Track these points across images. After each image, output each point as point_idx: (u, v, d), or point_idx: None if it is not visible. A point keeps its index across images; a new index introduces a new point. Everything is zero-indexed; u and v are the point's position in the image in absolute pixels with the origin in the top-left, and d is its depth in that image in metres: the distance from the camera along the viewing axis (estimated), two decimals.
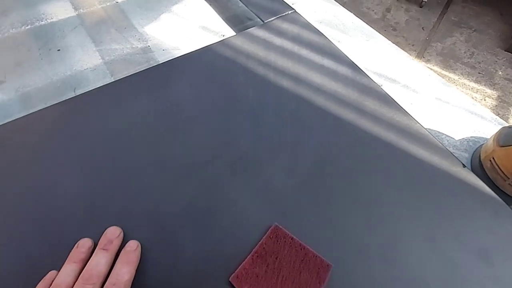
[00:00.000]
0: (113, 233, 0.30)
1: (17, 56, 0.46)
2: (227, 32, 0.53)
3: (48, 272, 0.28)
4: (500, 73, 1.76)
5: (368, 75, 0.47)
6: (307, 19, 0.54)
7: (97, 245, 0.30)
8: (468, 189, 0.37)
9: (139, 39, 0.51)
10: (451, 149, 0.41)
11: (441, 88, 0.48)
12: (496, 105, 1.62)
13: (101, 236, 0.30)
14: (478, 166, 0.40)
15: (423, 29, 1.97)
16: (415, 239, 0.33)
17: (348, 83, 0.45)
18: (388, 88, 0.46)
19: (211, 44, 0.49)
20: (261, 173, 0.36)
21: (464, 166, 0.38)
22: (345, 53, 0.49)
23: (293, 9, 0.56)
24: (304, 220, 0.33)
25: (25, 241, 0.31)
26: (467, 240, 0.33)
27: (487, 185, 0.37)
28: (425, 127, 0.42)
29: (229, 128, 0.40)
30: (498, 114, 1.53)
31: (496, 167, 0.37)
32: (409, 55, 0.52)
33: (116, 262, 0.28)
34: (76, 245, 0.29)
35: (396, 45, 0.54)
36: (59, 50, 0.48)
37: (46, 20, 0.51)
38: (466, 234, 0.34)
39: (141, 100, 0.42)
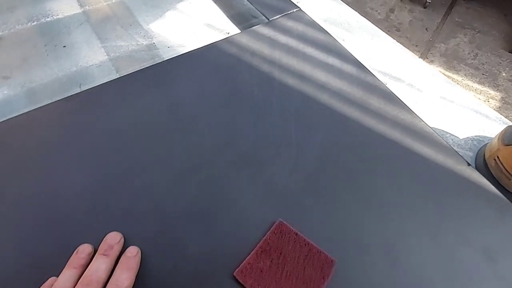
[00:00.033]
0: (113, 239, 0.30)
1: (23, 52, 0.47)
2: (232, 30, 0.53)
3: (49, 274, 0.28)
4: (504, 74, 1.75)
5: (373, 73, 0.47)
6: (312, 17, 0.54)
7: (97, 250, 0.29)
8: (472, 187, 0.37)
9: (144, 36, 0.51)
10: (455, 148, 0.41)
11: (445, 87, 0.48)
12: (499, 107, 1.61)
13: (104, 231, 0.31)
14: (483, 165, 0.40)
15: (426, 30, 1.96)
16: (419, 236, 0.33)
17: (353, 81, 0.46)
18: (393, 87, 0.46)
19: (216, 42, 0.49)
20: (265, 169, 0.37)
21: (468, 164, 0.38)
22: (349, 51, 0.50)
23: (298, 7, 0.56)
24: (308, 216, 0.33)
25: (28, 238, 0.31)
26: (471, 238, 0.33)
27: (491, 183, 0.37)
28: (430, 125, 0.42)
29: (233, 125, 0.40)
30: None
31: (501, 165, 0.37)
32: (413, 54, 0.52)
33: (116, 268, 0.28)
34: (76, 250, 0.29)
35: None
36: (64, 46, 0.48)
37: (52, 16, 0.52)
38: (470, 232, 0.33)
39: (146, 97, 0.42)
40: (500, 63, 1.81)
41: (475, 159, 0.41)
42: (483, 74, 1.75)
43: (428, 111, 0.45)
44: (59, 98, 0.41)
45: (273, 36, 0.50)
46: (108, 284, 0.27)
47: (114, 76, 0.45)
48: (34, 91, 0.43)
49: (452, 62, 1.80)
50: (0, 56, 0.46)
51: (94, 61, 0.47)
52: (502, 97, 1.66)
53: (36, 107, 0.40)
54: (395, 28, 1.97)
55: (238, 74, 0.45)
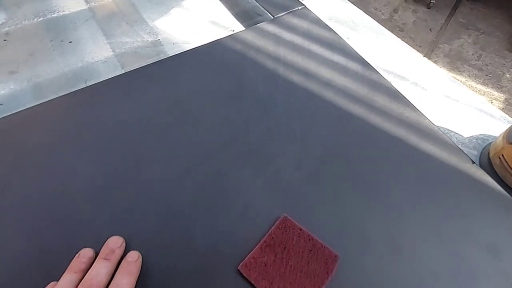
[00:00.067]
0: (115, 243, 0.30)
1: (29, 47, 0.47)
2: (237, 27, 0.53)
3: (49, 278, 0.28)
4: (507, 75, 1.74)
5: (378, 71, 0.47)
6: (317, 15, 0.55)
7: (98, 254, 0.29)
8: (477, 185, 0.37)
9: (150, 32, 0.51)
10: (459, 147, 0.41)
11: (450, 86, 0.48)
12: (503, 108, 1.61)
13: (110, 225, 0.31)
14: (487, 163, 0.40)
15: (430, 30, 1.96)
16: (424, 233, 0.33)
17: (357, 78, 0.46)
18: (397, 85, 0.46)
19: (220, 39, 0.49)
20: (270, 165, 0.37)
21: (473, 162, 0.38)
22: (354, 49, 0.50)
23: (303, 4, 0.56)
24: (313, 212, 0.34)
25: (35, 231, 0.31)
26: (475, 235, 0.33)
27: (495, 181, 0.37)
28: (434, 124, 0.42)
29: (238, 120, 0.40)
30: None
31: (505, 164, 0.37)
32: (418, 52, 0.52)
33: (117, 273, 0.28)
34: (77, 254, 0.29)
35: None
36: (70, 42, 0.48)
37: (58, 12, 0.52)
38: (474, 229, 0.33)
39: (151, 92, 0.42)
40: (504, 64, 1.80)
41: (480, 157, 0.41)
42: (486, 75, 1.74)
43: (432, 110, 0.45)
44: (65, 93, 0.41)
45: (278, 33, 0.50)
46: None
47: (120, 72, 0.45)
48: (40, 86, 0.43)
49: (455, 63, 1.79)
50: (7, 51, 0.46)
51: (100, 57, 0.47)
52: (505, 99, 1.65)
53: (42, 102, 0.40)
54: (398, 29, 1.96)
55: (243, 71, 0.45)
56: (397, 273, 0.30)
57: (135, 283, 0.28)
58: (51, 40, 0.48)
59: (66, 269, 0.28)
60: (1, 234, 0.31)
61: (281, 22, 0.52)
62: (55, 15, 0.52)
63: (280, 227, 0.31)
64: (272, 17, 0.53)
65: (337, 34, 0.52)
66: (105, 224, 0.31)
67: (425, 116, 0.42)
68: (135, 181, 0.35)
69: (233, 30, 0.52)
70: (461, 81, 1.68)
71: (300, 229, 0.31)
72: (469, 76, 1.73)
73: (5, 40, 0.47)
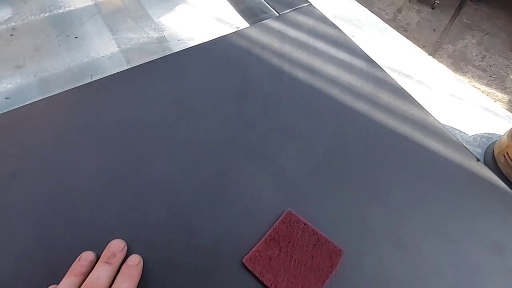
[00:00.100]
0: (116, 246, 0.29)
1: (36, 42, 0.47)
2: (242, 24, 0.53)
3: (50, 281, 0.27)
4: (511, 77, 1.74)
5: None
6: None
7: (99, 257, 0.29)
8: (481, 182, 0.37)
9: (155, 29, 0.51)
10: (464, 144, 0.41)
11: (454, 84, 0.48)
12: (506, 109, 1.60)
13: (115, 220, 0.31)
14: (492, 161, 0.40)
15: (434, 30, 1.96)
16: (428, 230, 0.33)
17: (362, 76, 0.46)
18: (402, 83, 0.46)
19: (225, 35, 0.49)
20: (275, 160, 0.37)
21: (478, 160, 0.38)
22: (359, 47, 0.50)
23: (308, 2, 0.56)
24: (317, 207, 0.34)
25: (38, 230, 0.31)
26: (480, 233, 0.33)
27: (500, 179, 0.37)
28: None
29: (243, 116, 0.40)
30: None
31: (510, 162, 0.37)
32: (423, 51, 0.52)
33: (117, 276, 0.27)
34: (78, 258, 0.28)
35: None
36: (76, 37, 0.49)
37: (64, 8, 0.52)
38: (479, 227, 0.33)
39: (156, 87, 0.42)
40: (508, 65, 1.79)
41: (484, 155, 0.41)
42: (490, 76, 1.74)
43: (437, 108, 0.45)
44: (71, 88, 0.42)
45: (283, 30, 0.51)
46: None
47: (125, 67, 0.45)
48: (46, 81, 0.43)
49: (459, 63, 1.79)
50: (13, 46, 0.46)
51: (105, 52, 0.47)
52: (509, 99, 1.64)
53: (47, 96, 0.40)
54: (402, 29, 1.96)
55: (247, 68, 0.45)
56: (401, 268, 0.31)
57: (135, 287, 0.27)
58: (57, 35, 0.48)
59: (67, 271, 0.27)
60: (1, 234, 0.31)
61: (286, 19, 0.52)
62: (61, 10, 0.52)
63: (284, 221, 0.32)
64: (277, 14, 0.54)
65: (342, 31, 0.52)
66: (109, 219, 0.31)
67: (430, 114, 0.42)
68: (139, 175, 0.35)
69: (238, 27, 0.52)
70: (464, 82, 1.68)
71: (305, 224, 0.31)
72: (472, 77, 1.73)
73: (11, 35, 0.48)
